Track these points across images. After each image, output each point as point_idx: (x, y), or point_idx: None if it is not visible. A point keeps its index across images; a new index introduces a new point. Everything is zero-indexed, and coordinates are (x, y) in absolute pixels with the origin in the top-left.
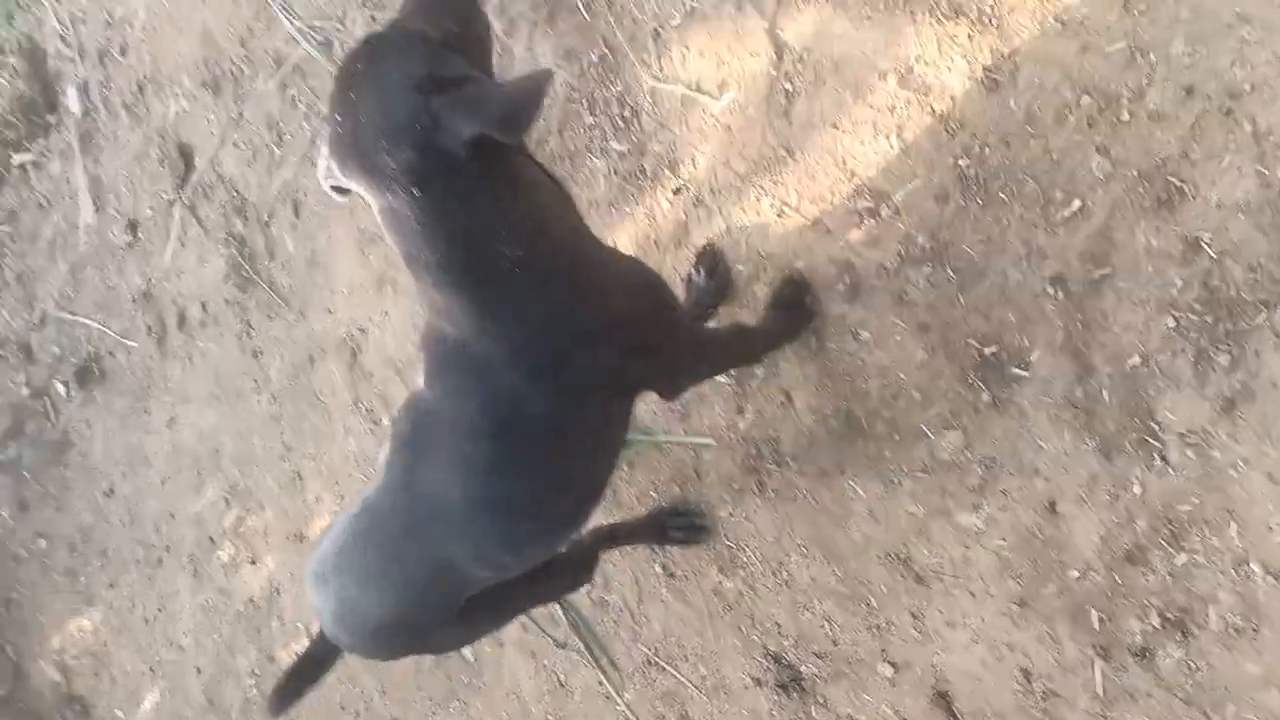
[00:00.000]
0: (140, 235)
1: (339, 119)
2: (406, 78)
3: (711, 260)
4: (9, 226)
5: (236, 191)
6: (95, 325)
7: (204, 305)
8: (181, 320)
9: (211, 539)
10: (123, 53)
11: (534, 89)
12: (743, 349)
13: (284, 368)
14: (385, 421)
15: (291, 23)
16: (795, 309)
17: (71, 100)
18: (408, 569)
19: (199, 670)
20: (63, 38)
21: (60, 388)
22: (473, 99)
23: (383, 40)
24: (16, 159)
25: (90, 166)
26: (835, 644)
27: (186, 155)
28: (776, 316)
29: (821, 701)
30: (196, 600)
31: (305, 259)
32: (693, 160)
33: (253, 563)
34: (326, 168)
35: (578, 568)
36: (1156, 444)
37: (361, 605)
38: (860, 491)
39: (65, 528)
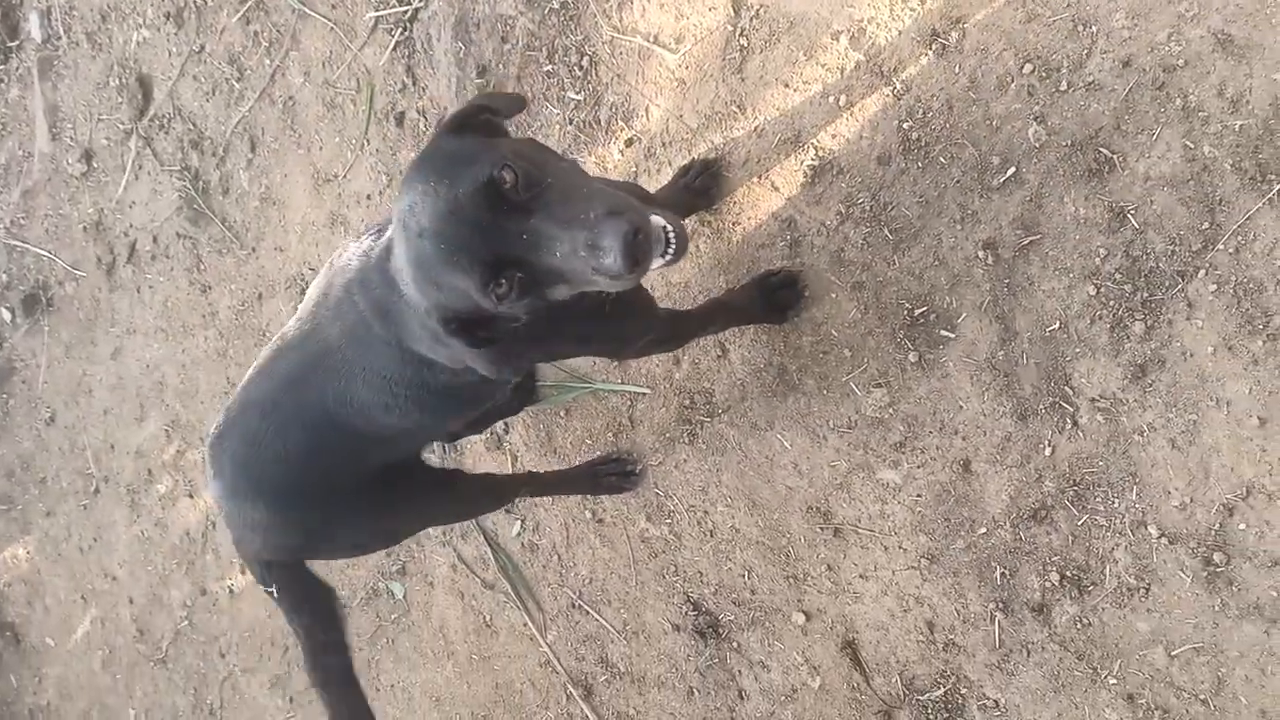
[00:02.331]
0: (95, 165)
1: None
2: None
3: (706, 169)
4: None
5: (194, 125)
6: (45, 254)
7: (155, 238)
8: (132, 252)
9: (150, 471)
10: None
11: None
12: (703, 326)
13: (232, 304)
14: None
15: None
16: (779, 301)
17: (33, 26)
18: (305, 399)
19: (132, 600)
20: None
21: (6, 314)
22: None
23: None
24: None
25: (48, 93)
26: (753, 593)
27: (146, 86)
28: (756, 299)
29: (736, 648)
30: (132, 531)
31: (259, 195)
32: (646, 112)
33: (190, 496)
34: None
35: (497, 492)
36: (1069, 407)
37: (261, 440)
38: (787, 445)
39: (4, 454)
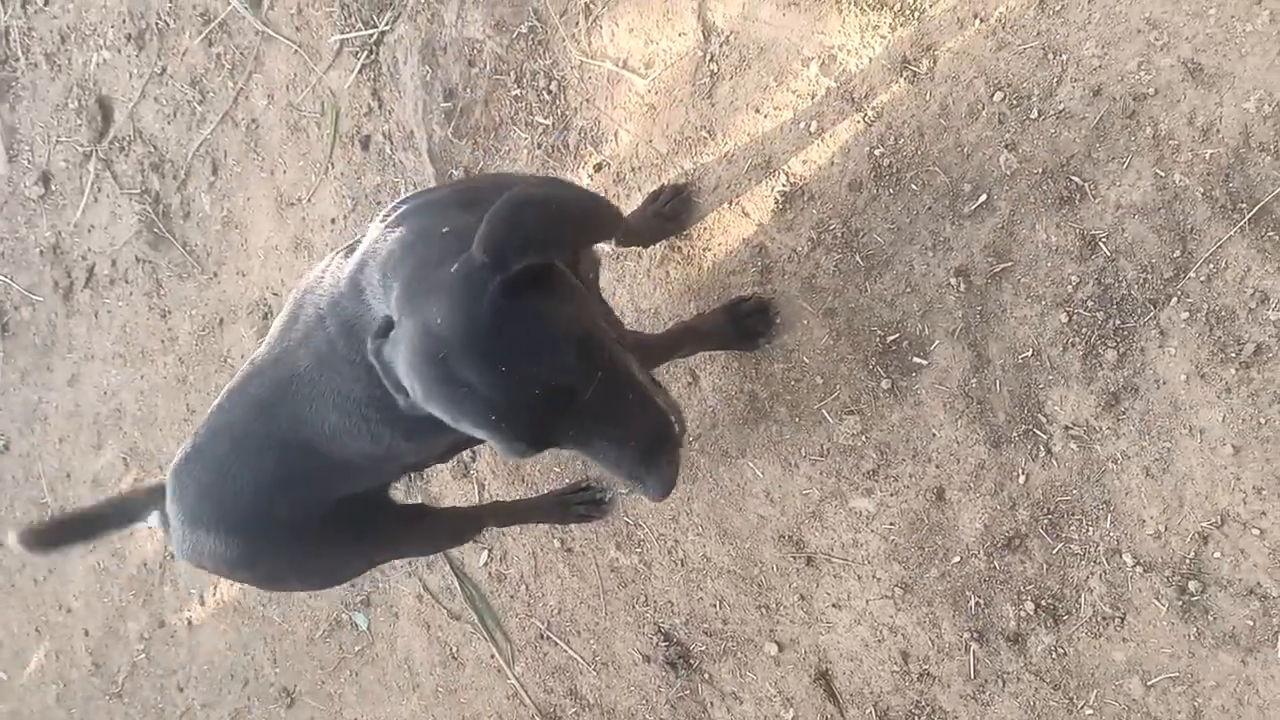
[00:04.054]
0: (53, 188)
1: None
2: None
3: (677, 194)
4: None
5: (154, 148)
6: (0, 278)
7: (114, 262)
8: (90, 276)
9: None
10: (46, 1)
11: None
12: (672, 352)
13: (193, 329)
14: None
15: None
16: (750, 328)
17: None
18: (276, 426)
19: (87, 633)
20: None
21: None
22: None
23: None
24: None
25: (6, 115)
26: (725, 623)
27: (106, 108)
28: (727, 325)
29: (708, 679)
30: (88, 562)
31: (221, 219)
32: (615, 137)
33: (148, 527)
34: None
35: (461, 525)
36: (1043, 435)
37: (229, 469)
38: (759, 473)
39: None
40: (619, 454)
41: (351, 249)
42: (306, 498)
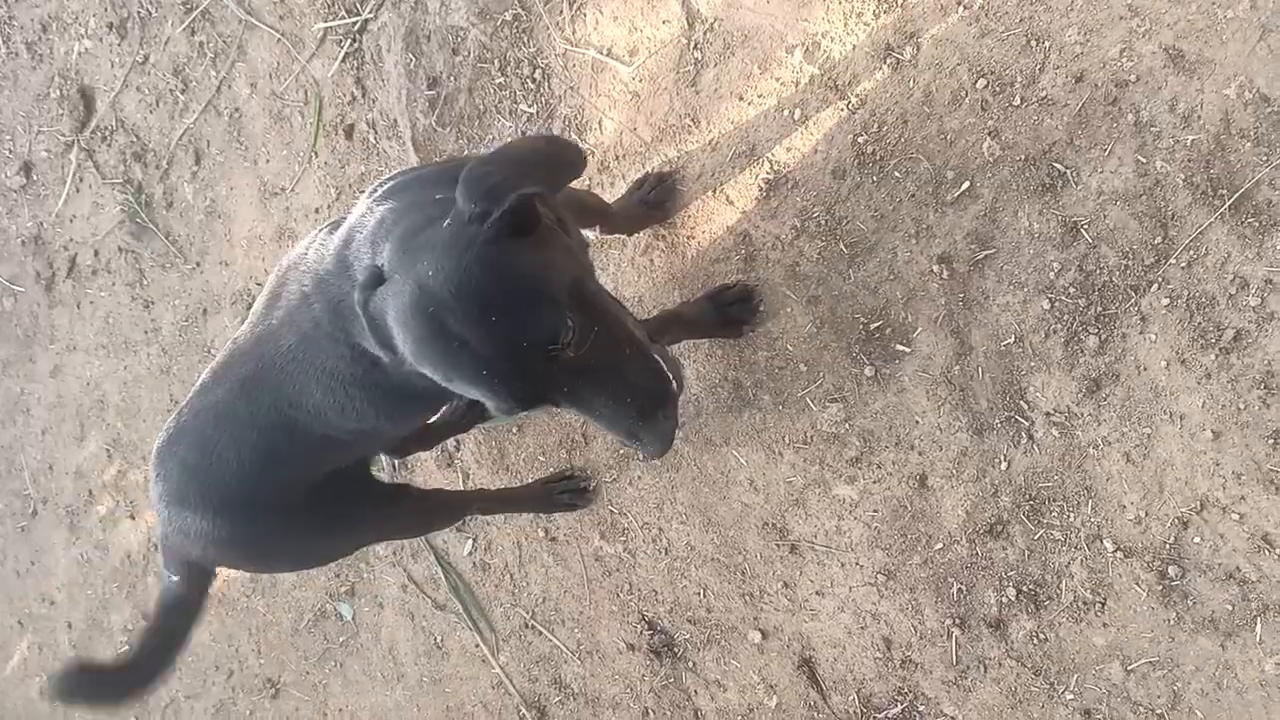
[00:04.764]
0: (35, 178)
1: None
2: None
3: (661, 182)
4: None
5: (137, 137)
6: None
7: (96, 252)
8: (72, 267)
9: (90, 492)
10: None
11: None
12: (658, 339)
13: (176, 319)
14: None
15: None
16: (734, 316)
17: None
18: (259, 405)
19: (70, 625)
20: None
21: None
22: None
23: None
24: None
25: None
26: (709, 611)
27: (87, 98)
28: (711, 313)
29: (691, 667)
30: (71, 554)
31: (204, 209)
32: (600, 125)
33: (132, 518)
34: None
35: (448, 508)
36: (1025, 422)
37: (214, 448)
38: (743, 461)
39: None
40: (615, 411)
41: (336, 225)
42: (291, 475)
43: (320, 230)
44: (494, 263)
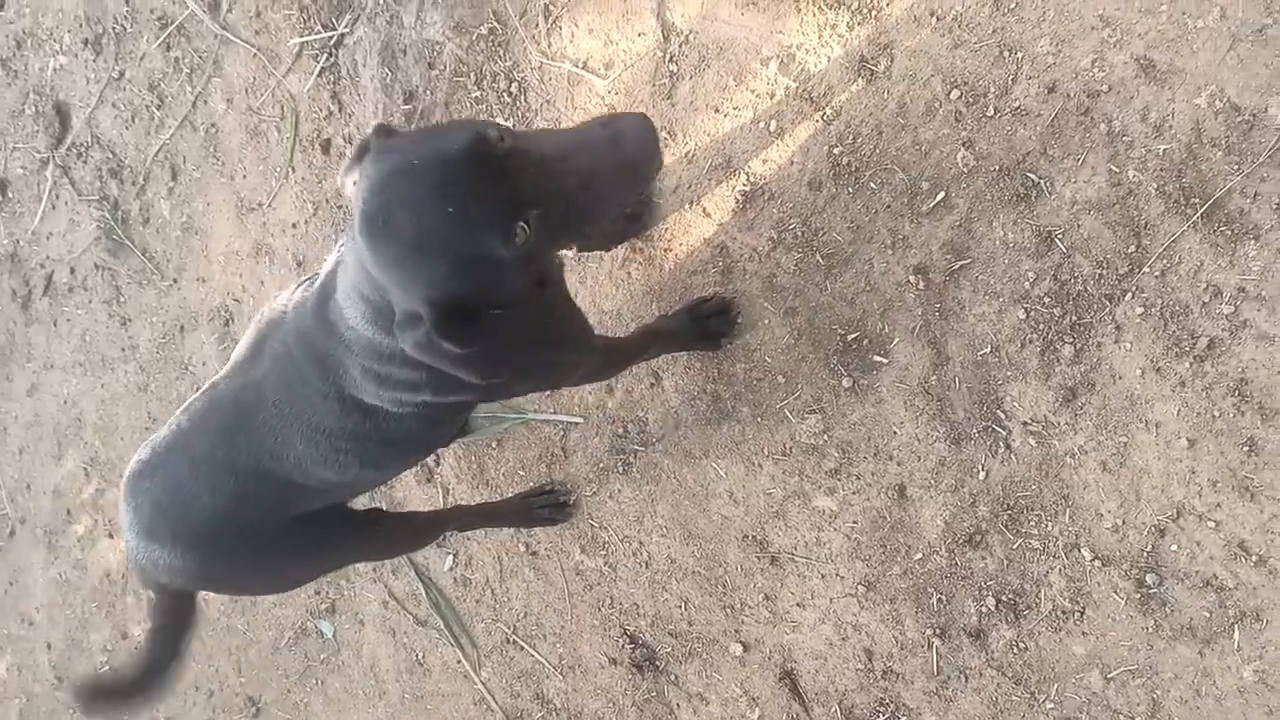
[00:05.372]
0: (9, 195)
1: None
2: None
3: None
4: None
5: (113, 153)
6: None
7: (73, 270)
8: (48, 284)
9: (69, 511)
10: (1, 6)
11: None
12: (637, 354)
13: (153, 336)
14: None
15: None
16: (712, 328)
17: None
18: (238, 454)
19: (50, 646)
20: None
21: None
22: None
23: None
24: None
25: None
26: (690, 624)
27: (63, 114)
28: (689, 325)
29: (674, 680)
30: (50, 574)
31: (180, 225)
32: None
33: (110, 537)
34: None
35: (421, 530)
36: (1002, 431)
37: (187, 492)
38: (722, 473)
39: None
40: (585, 139)
41: (312, 280)
42: (262, 518)
43: (297, 287)
44: (467, 162)
